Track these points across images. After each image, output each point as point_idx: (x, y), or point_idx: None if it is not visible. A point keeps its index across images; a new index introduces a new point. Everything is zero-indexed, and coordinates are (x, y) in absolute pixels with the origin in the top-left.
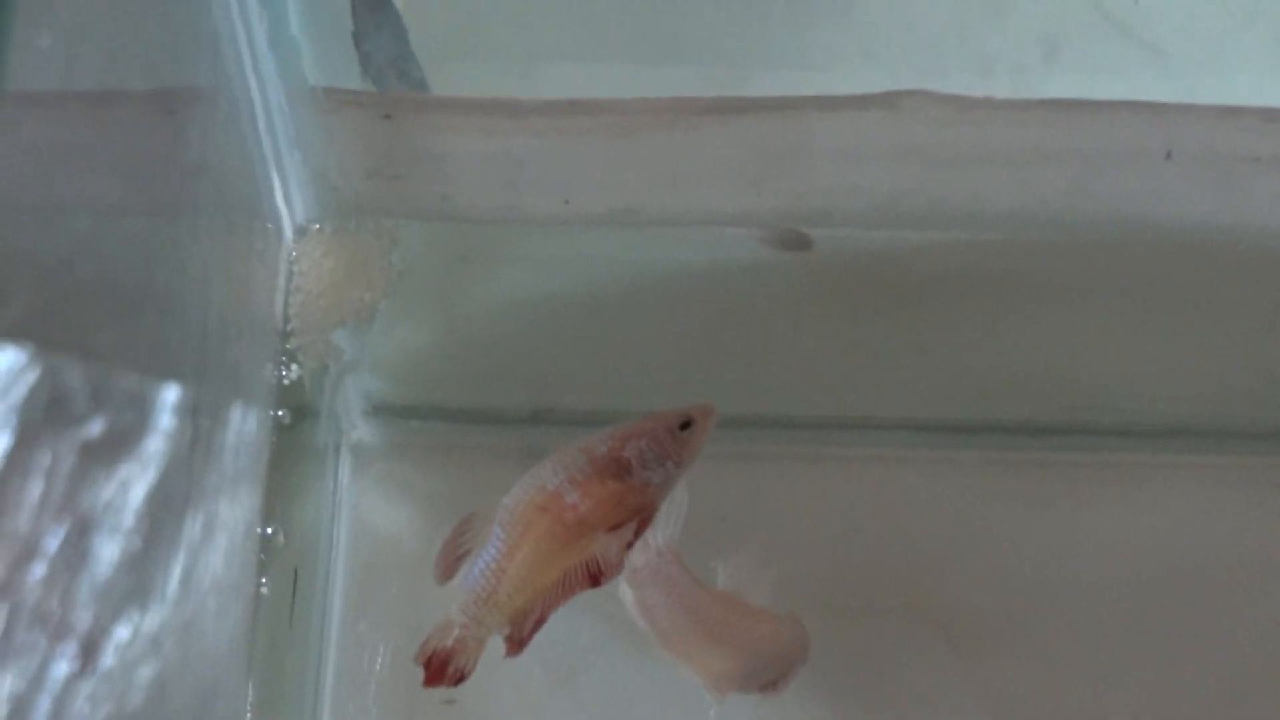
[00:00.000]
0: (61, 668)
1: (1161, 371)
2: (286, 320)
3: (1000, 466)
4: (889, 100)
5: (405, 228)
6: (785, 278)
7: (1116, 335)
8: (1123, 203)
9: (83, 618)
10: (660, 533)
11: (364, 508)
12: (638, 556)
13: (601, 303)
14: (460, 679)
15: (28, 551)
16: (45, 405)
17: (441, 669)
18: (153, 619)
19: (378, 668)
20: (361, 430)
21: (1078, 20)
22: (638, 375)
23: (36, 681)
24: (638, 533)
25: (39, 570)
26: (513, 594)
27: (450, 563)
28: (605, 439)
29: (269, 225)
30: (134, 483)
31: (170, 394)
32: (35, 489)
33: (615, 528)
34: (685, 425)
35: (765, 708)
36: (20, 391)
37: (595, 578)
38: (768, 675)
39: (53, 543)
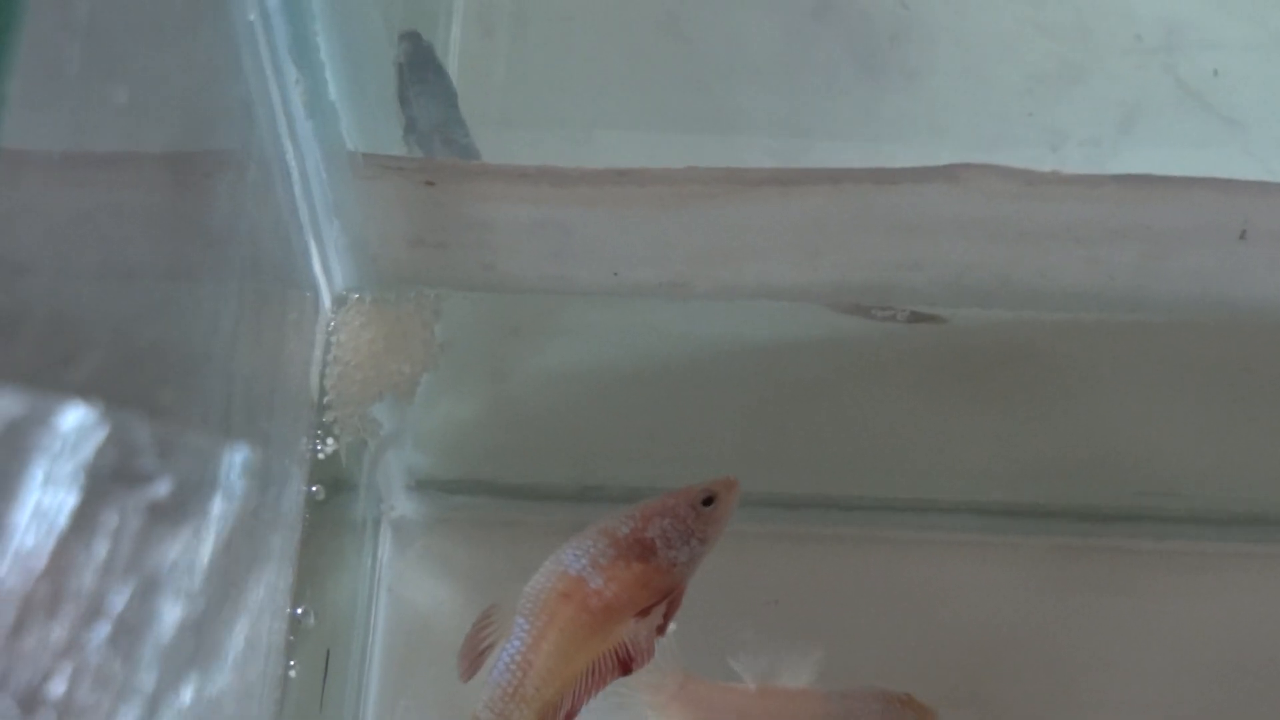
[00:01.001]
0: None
1: (1234, 456)
2: (323, 393)
3: (1064, 553)
4: (950, 174)
5: (448, 298)
6: (841, 354)
7: (1188, 418)
8: (1195, 282)
9: (145, 680)
10: (667, 660)
11: (404, 585)
12: (653, 695)
13: (651, 377)
14: None
15: (93, 611)
16: (113, 464)
17: None
18: (213, 683)
19: None
20: (403, 505)
21: (1154, 92)
22: (688, 452)
23: None
24: (668, 615)
25: (103, 631)
26: (541, 687)
27: (473, 658)
28: (626, 520)
29: (306, 294)
30: (201, 541)
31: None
32: (101, 548)
33: (644, 612)
34: (708, 501)
35: None
36: (88, 450)
37: (626, 664)
38: None
39: (118, 603)
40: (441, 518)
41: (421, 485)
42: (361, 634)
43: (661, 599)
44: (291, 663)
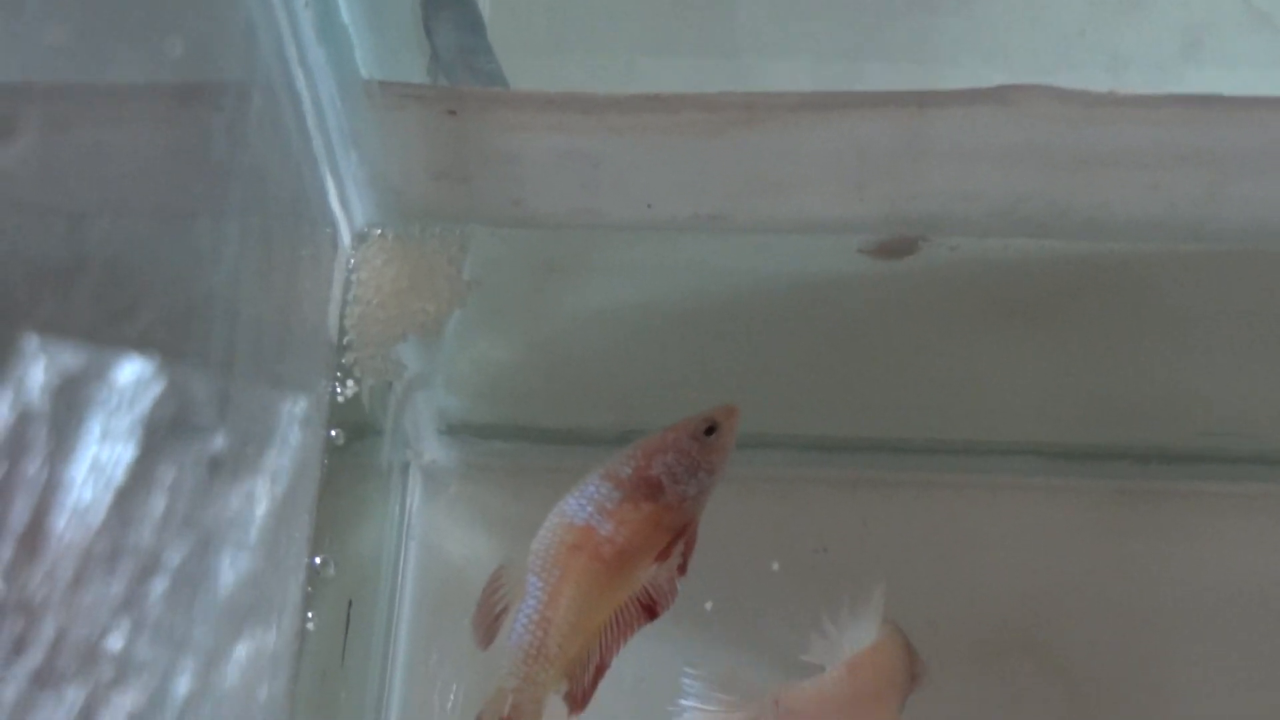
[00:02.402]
0: (182, 686)
1: None
2: (343, 333)
3: (1129, 496)
4: (1002, 96)
5: (475, 234)
6: (892, 289)
7: (1257, 354)
8: (1262, 209)
9: (204, 635)
10: (752, 686)
11: (436, 534)
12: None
13: (689, 315)
14: None
15: (150, 567)
16: (171, 418)
17: None
18: (275, 639)
19: (449, 706)
20: (435, 451)
21: (1221, 13)
22: (730, 392)
23: (157, 699)
24: (686, 554)
25: (161, 586)
26: (563, 644)
27: (489, 624)
28: (628, 460)
29: (324, 230)
30: (259, 495)
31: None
32: (159, 502)
33: (663, 555)
34: (710, 430)
35: None
36: (146, 404)
37: (650, 609)
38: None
39: (175, 557)
40: (475, 463)
41: (454, 430)
42: (388, 585)
43: (676, 537)
44: (310, 615)
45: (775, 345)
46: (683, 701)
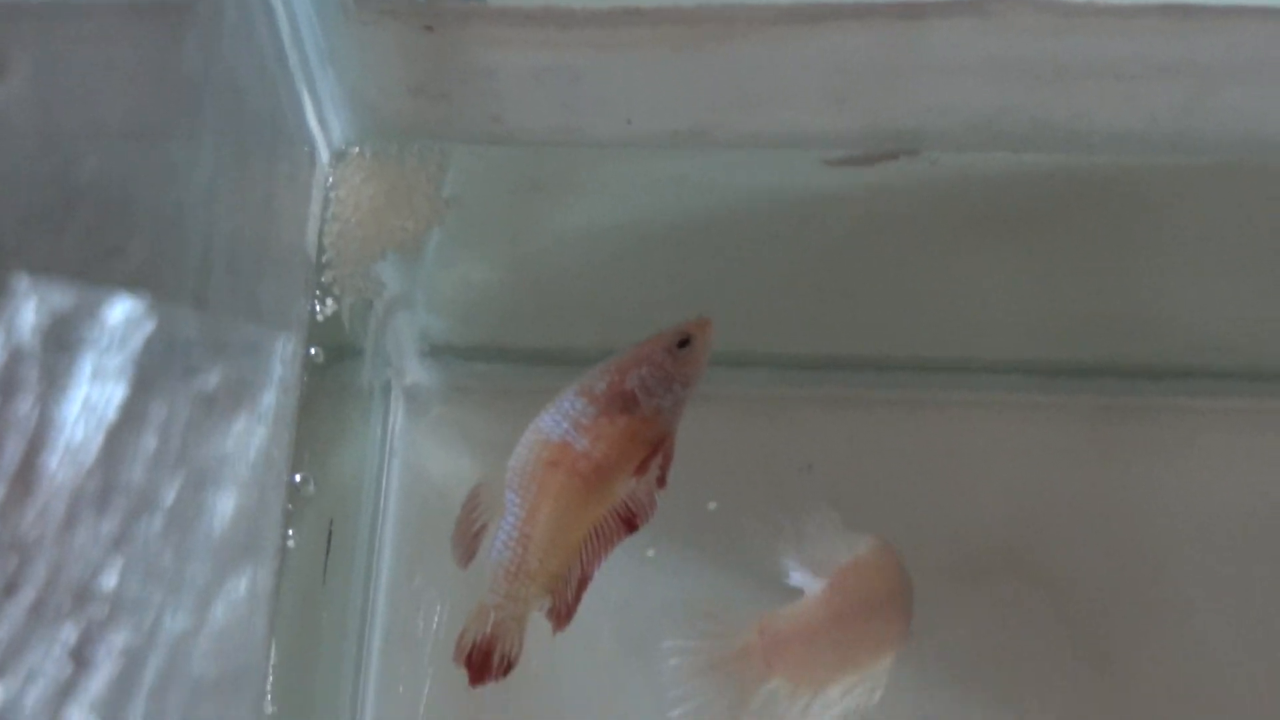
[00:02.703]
0: (176, 623)
1: None
2: (321, 251)
3: (1115, 413)
4: (981, 7)
5: (455, 152)
6: (874, 204)
7: (1241, 268)
8: (1245, 121)
9: (198, 572)
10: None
11: (418, 455)
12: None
13: (672, 232)
14: (508, 668)
15: (143, 504)
16: (161, 356)
17: (486, 661)
18: (265, 576)
19: (434, 628)
20: (417, 372)
21: None
22: (714, 310)
23: (151, 637)
24: (664, 467)
25: (154, 524)
26: (544, 560)
27: (468, 542)
28: (602, 375)
29: (301, 148)
30: (251, 432)
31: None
32: (151, 441)
33: (642, 469)
34: (683, 343)
35: None
36: (137, 342)
37: (630, 522)
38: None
39: (168, 495)
40: (458, 385)
41: (436, 351)
42: (370, 506)
43: (653, 450)
44: (290, 532)
45: (758, 262)
46: (667, 643)
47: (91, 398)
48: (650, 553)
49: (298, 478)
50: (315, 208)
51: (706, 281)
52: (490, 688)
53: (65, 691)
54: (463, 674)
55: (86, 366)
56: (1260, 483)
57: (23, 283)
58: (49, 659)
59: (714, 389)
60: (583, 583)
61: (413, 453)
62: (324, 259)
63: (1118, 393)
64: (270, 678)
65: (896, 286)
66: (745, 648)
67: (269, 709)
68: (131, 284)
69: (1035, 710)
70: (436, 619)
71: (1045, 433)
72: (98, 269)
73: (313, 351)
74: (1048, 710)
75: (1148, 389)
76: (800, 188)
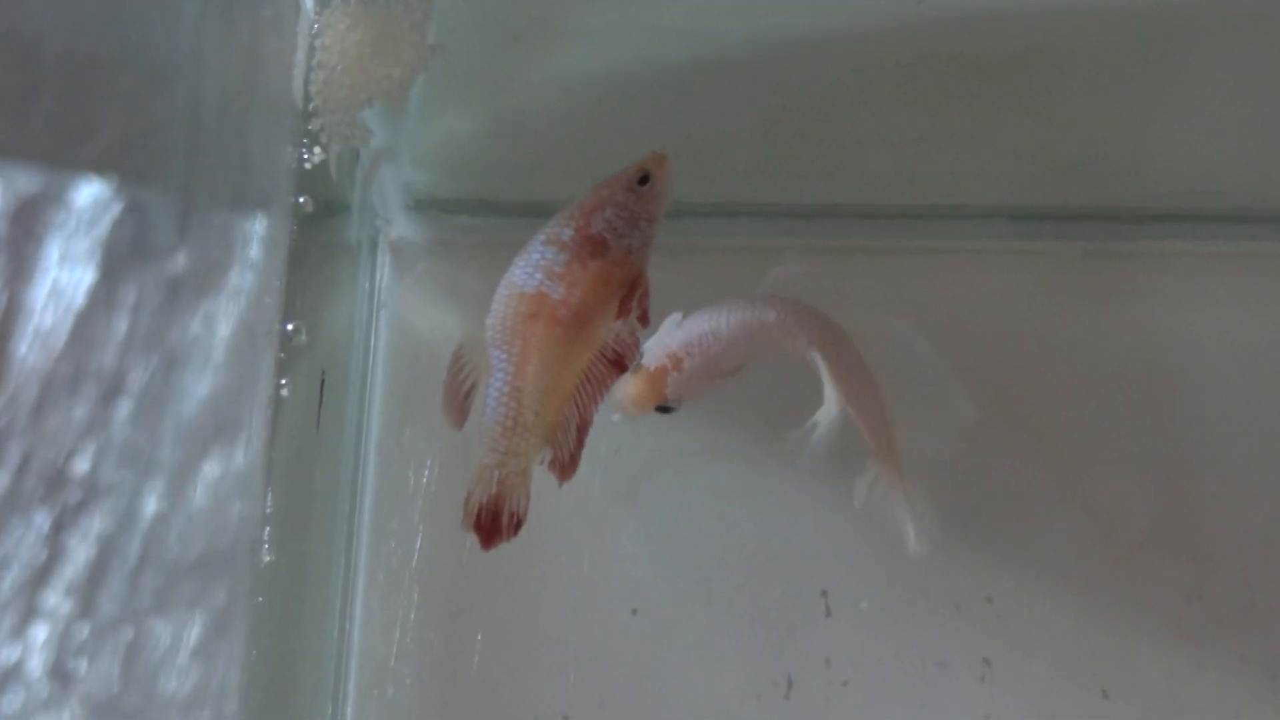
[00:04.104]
0: (150, 506)
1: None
2: (307, 99)
3: (1103, 258)
4: None
5: None
6: (861, 50)
7: (1235, 110)
8: None
9: (171, 455)
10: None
11: (405, 309)
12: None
13: (664, 81)
14: (518, 525)
15: (114, 388)
16: (130, 239)
17: (495, 522)
18: (243, 455)
19: (425, 481)
20: (402, 226)
21: None
22: (704, 161)
23: (126, 520)
24: (642, 303)
25: (125, 408)
26: (539, 411)
27: (459, 403)
28: (566, 222)
29: None
30: (221, 314)
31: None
32: (121, 324)
33: (623, 310)
34: (643, 180)
35: (853, 517)
36: (104, 225)
37: (619, 363)
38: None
39: (139, 379)
40: (443, 239)
41: (421, 205)
42: (360, 358)
43: (631, 291)
44: (283, 381)
45: (743, 111)
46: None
47: (60, 281)
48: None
49: (289, 327)
50: (300, 55)
51: (690, 129)
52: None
53: (40, 577)
54: (462, 534)
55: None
56: (1245, 325)
57: None
58: (23, 545)
59: (699, 239)
60: (582, 428)
61: (400, 306)
62: (310, 107)
63: (1104, 238)
64: (267, 527)
65: (881, 133)
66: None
67: (266, 558)
68: (101, 164)
69: (1023, 558)
70: (426, 473)
71: (1031, 278)
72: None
73: (301, 200)
74: (1036, 558)
75: (1134, 233)
76: (790, 34)
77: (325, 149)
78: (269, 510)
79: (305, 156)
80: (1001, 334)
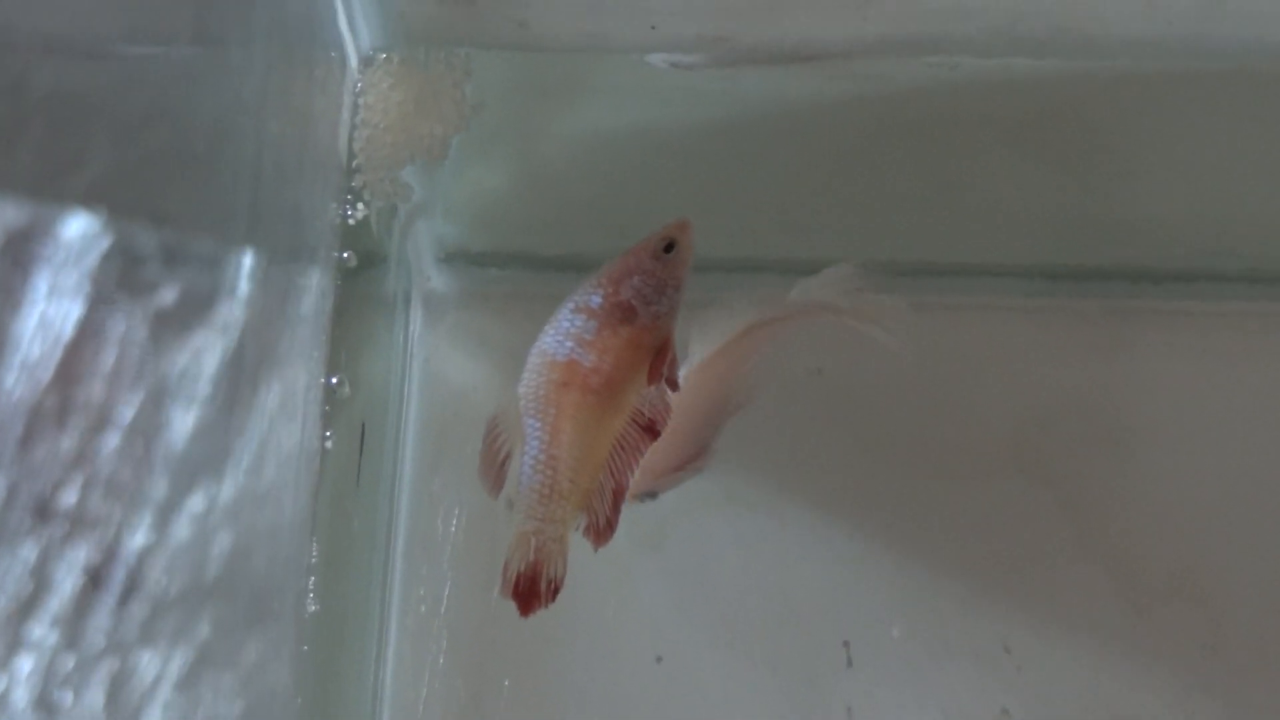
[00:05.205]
0: (137, 539)
1: None
2: (351, 156)
3: (1121, 316)
4: None
5: (480, 58)
6: (891, 113)
7: (1247, 174)
8: (1259, 26)
9: (158, 487)
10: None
11: (437, 360)
12: None
13: (693, 140)
14: (556, 591)
15: (101, 421)
16: (118, 272)
17: (533, 588)
18: (229, 487)
19: (453, 530)
20: (435, 279)
21: None
22: (731, 218)
23: (111, 552)
24: (670, 368)
25: (112, 441)
26: (574, 478)
27: (495, 471)
28: (595, 290)
29: (332, 54)
30: (208, 350)
31: (245, 257)
32: (109, 357)
33: (653, 376)
34: (669, 248)
35: (875, 569)
36: (93, 258)
37: (651, 429)
38: None
39: (127, 412)
40: (474, 291)
41: (452, 257)
42: (396, 409)
43: (659, 357)
44: (328, 433)
45: (770, 169)
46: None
47: (48, 314)
48: None
49: (334, 380)
50: (345, 114)
51: (717, 188)
52: None
53: (26, 610)
54: (489, 581)
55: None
56: (1259, 383)
57: None
58: (9, 577)
59: (723, 294)
60: (618, 494)
61: (433, 357)
62: (355, 164)
63: (1122, 295)
64: (312, 577)
65: (908, 191)
66: None
67: (311, 607)
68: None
69: (1041, 609)
70: (455, 522)
71: (1050, 335)
72: (53, 189)
73: (345, 255)
74: (1054, 609)
75: (1151, 292)
76: (817, 95)
77: (368, 205)
78: (314, 560)
79: (349, 212)
80: (1020, 388)
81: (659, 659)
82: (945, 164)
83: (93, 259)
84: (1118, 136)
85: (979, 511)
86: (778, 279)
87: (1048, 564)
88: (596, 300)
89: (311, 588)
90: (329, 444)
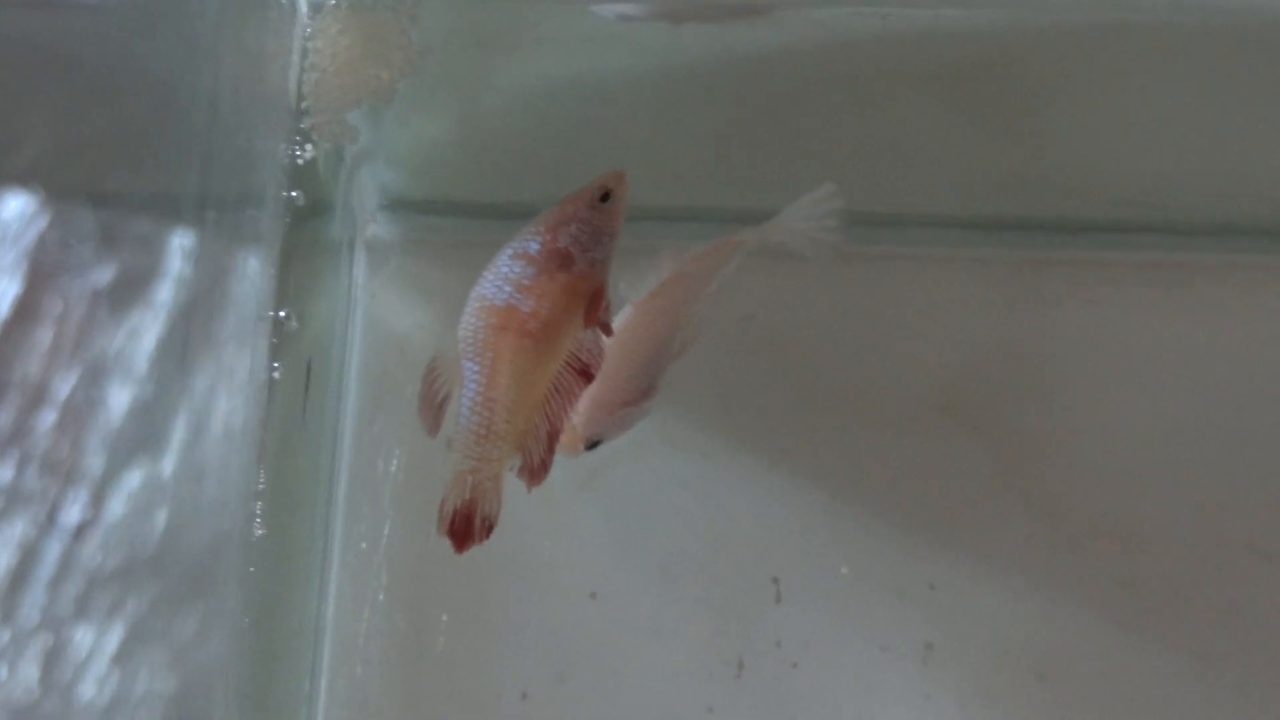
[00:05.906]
0: (72, 515)
1: (1214, 166)
2: (300, 99)
3: (1042, 266)
4: None
5: (427, 4)
6: (821, 65)
7: (1169, 127)
8: None
9: (93, 465)
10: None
11: (379, 306)
12: None
13: (633, 90)
14: (490, 528)
15: (37, 398)
16: (56, 251)
17: (468, 525)
18: (183, 419)
19: (394, 469)
20: (377, 225)
21: None
22: (667, 166)
23: (46, 529)
24: (604, 312)
25: (49, 417)
26: (510, 420)
27: (434, 412)
28: (533, 236)
29: (281, 1)
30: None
31: (182, 237)
32: (45, 335)
33: (589, 320)
34: (604, 197)
35: (804, 509)
36: (30, 237)
37: (585, 372)
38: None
39: (63, 389)
40: (415, 238)
41: (394, 204)
42: (340, 350)
43: (594, 302)
44: (276, 365)
45: (707, 120)
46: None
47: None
48: None
49: (282, 314)
50: (295, 57)
51: (659, 137)
52: None
53: None
54: (428, 520)
55: None
56: (1177, 333)
57: None
58: None
59: (658, 242)
60: (552, 436)
61: (374, 303)
62: (303, 106)
63: (1044, 246)
64: (259, 502)
65: (832, 140)
66: None
67: (258, 531)
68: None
69: (966, 548)
70: (395, 462)
71: (979, 285)
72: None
73: (294, 194)
74: (978, 549)
75: (1072, 244)
76: (753, 44)
77: (316, 146)
78: (261, 487)
79: (298, 153)
80: (948, 336)
81: (593, 595)
82: (875, 115)
83: (29, 237)
84: (1041, 88)
85: (906, 454)
86: (714, 227)
87: (973, 506)
88: (534, 246)
89: (259, 512)
90: (277, 374)
